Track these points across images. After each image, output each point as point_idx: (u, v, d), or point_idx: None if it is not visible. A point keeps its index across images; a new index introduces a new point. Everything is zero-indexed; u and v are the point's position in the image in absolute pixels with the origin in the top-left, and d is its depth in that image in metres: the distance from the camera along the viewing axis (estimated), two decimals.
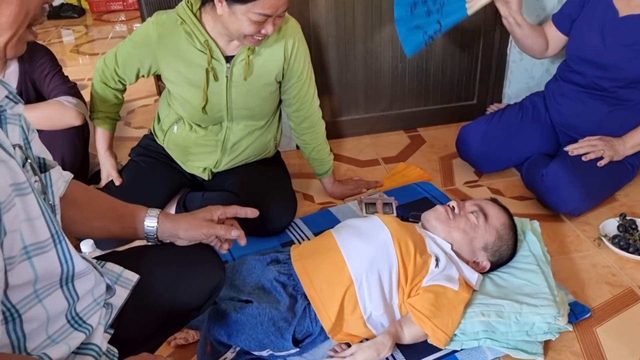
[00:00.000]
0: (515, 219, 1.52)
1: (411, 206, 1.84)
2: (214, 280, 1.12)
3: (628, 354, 1.31)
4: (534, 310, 1.29)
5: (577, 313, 1.40)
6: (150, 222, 1.07)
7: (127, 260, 1.03)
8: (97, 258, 1.04)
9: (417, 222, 1.51)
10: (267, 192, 1.72)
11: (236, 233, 1.12)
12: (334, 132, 2.36)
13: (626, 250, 1.62)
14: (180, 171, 1.84)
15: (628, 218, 1.72)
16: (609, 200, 1.88)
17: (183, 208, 1.82)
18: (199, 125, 1.72)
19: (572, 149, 1.81)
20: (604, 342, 1.35)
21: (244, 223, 1.77)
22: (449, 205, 1.46)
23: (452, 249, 1.40)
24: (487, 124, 1.98)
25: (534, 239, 1.52)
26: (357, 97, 2.35)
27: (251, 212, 1.17)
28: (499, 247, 1.42)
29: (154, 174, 1.80)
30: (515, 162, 2.02)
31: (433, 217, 1.44)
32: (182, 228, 1.08)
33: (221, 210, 1.13)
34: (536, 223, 1.59)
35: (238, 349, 1.29)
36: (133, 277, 0.99)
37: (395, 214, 1.72)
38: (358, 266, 1.31)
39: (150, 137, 1.88)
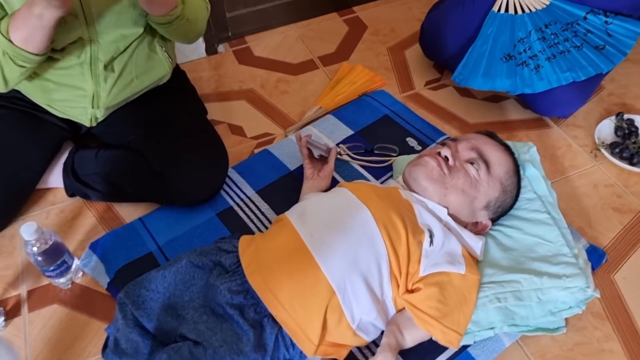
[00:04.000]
0: (508, 142, 1.21)
1: (371, 131, 1.47)
2: None
3: None
4: (558, 284, 1.03)
5: (593, 261, 1.17)
6: None
7: None
8: None
9: (388, 156, 1.23)
10: (186, 152, 1.26)
11: None
12: (253, 24, 1.84)
13: (629, 161, 1.38)
14: (51, 121, 1.30)
15: (626, 117, 1.45)
16: (596, 90, 1.59)
17: (72, 175, 1.34)
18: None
19: None
20: (625, 293, 1.15)
21: (162, 193, 1.32)
22: (440, 154, 1.10)
23: (447, 213, 1.08)
24: (462, 5, 1.51)
25: (536, 175, 1.22)
26: None
27: None
28: (502, 201, 1.12)
29: (11, 137, 1.25)
30: None
31: (423, 175, 1.09)
32: None
33: None
34: (533, 148, 1.27)
35: None
36: None
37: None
38: (338, 270, 0.97)
39: None
